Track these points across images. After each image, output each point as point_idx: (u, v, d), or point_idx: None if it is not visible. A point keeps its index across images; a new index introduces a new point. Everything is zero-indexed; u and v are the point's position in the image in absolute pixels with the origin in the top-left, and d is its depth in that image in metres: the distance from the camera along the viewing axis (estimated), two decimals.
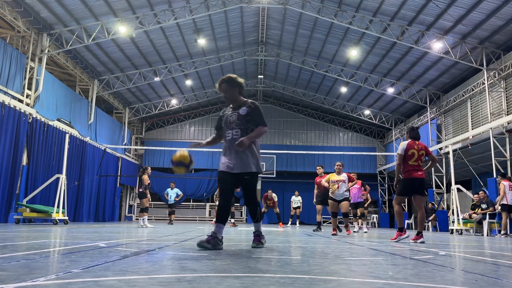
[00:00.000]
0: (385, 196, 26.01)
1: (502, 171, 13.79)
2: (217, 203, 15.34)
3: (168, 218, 16.09)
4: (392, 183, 24.99)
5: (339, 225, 10.83)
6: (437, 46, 15.30)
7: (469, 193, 13.25)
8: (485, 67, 15.19)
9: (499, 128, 14.34)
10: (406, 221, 19.95)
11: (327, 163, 26.24)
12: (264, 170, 24.94)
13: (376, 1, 14.54)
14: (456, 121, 18.68)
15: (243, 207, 26.45)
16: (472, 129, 16.90)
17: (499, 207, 11.38)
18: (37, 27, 14.24)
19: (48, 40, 14.67)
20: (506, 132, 14.06)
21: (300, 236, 7.59)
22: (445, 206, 19.36)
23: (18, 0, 12.82)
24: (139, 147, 23.87)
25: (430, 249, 4.75)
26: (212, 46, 19.24)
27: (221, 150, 4.34)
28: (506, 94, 15.08)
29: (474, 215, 12.50)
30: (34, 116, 13.74)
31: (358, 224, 12.55)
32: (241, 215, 26.29)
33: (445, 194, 19.77)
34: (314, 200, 11.31)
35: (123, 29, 15.08)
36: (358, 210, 12.22)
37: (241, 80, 4.26)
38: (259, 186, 25.81)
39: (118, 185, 21.79)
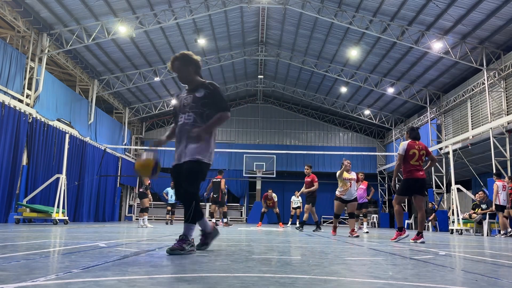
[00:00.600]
0: (385, 196, 26.02)
1: (502, 171, 13.80)
2: (209, 203, 15.31)
3: (169, 217, 16.06)
4: (391, 183, 25.06)
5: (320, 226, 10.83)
6: (437, 46, 15.30)
7: (469, 193, 13.26)
8: (485, 67, 15.19)
9: (499, 128, 14.34)
10: (406, 221, 19.95)
11: (327, 163, 26.29)
12: (264, 170, 24.96)
13: (376, 1, 14.54)
14: (456, 121, 18.69)
15: (243, 207, 26.47)
16: (472, 129, 16.90)
17: (494, 208, 11.45)
18: (37, 27, 14.23)
19: (48, 40, 14.67)
20: (506, 132, 14.06)
21: (300, 236, 7.59)
22: (445, 206, 19.36)
23: (18, 0, 12.82)
24: (139, 147, 23.87)
25: (430, 249, 4.75)
26: (212, 46, 19.24)
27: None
28: (506, 94, 15.08)
29: (474, 215, 12.51)
30: (34, 116, 13.74)
31: (359, 224, 12.55)
32: (241, 215, 26.29)
33: (445, 194, 19.77)
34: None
35: (123, 29, 15.08)
36: (362, 210, 12.24)
37: (197, 57, 3.74)
38: (259, 186, 25.82)
39: (118, 185, 21.79)
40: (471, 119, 17.27)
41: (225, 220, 14.21)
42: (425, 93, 20.14)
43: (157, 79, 19.97)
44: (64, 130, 15.72)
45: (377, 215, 25.09)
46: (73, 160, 16.21)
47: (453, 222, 12.51)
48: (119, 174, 21.73)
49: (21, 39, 14.62)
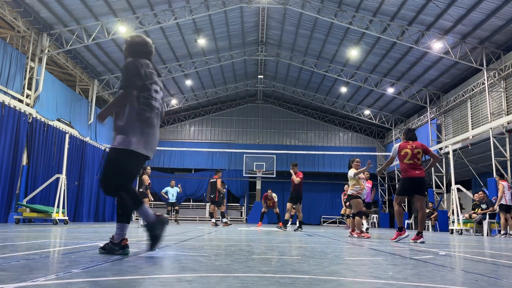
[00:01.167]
0: (385, 196, 26.02)
1: (502, 171, 13.79)
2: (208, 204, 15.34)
3: (171, 217, 16.02)
4: (391, 183, 25.06)
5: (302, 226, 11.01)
6: (437, 46, 15.30)
7: (469, 193, 13.26)
8: (485, 67, 15.19)
9: (499, 128, 14.34)
10: (406, 221, 19.95)
11: (327, 163, 26.29)
12: (264, 170, 24.96)
13: (376, 1, 14.54)
14: (456, 121, 18.69)
15: (243, 207, 26.46)
16: (472, 129, 16.90)
17: (497, 207, 11.42)
18: (37, 27, 14.23)
19: (48, 40, 14.67)
20: (506, 132, 14.06)
21: (300, 236, 7.59)
22: (445, 206, 19.36)
23: (18, 0, 12.82)
24: None
25: (430, 249, 4.75)
26: (212, 46, 19.24)
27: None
28: (506, 94, 15.08)
29: (474, 215, 12.51)
30: (34, 116, 13.73)
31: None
32: (241, 215, 26.29)
33: (445, 194, 19.77)
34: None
35: (123, 29, 15.08)
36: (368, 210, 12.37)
37: (132, 38, 3.43)
38: (259, 186, 25.82)
39: None
40: (471, 119, 17.27)
41: (224, 220, 14.23)
42: (425, 93, 20.14)
43: None
44: (64, 130, 15.72)
45: (377, 215, 25.09)
46: (73, 160, 16.20)
47: (453, 222, 12.51)
48: None
49: (21, 39, 14.62)
